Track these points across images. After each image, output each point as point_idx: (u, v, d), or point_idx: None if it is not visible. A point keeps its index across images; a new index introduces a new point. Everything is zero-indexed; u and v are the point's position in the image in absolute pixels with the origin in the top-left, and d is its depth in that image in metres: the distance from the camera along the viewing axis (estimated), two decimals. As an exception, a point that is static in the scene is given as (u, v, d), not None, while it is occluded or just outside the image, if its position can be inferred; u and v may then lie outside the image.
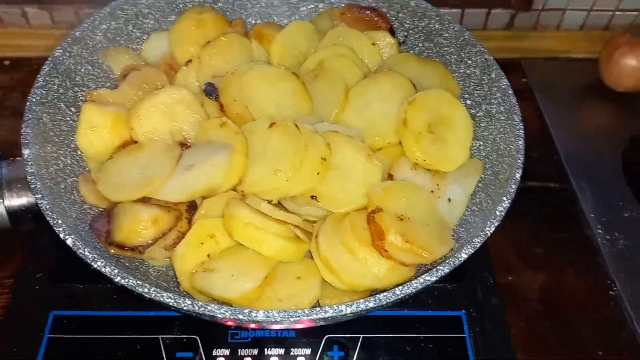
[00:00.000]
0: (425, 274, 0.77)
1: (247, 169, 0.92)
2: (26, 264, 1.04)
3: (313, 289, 0.88)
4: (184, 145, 0.97)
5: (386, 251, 0.85)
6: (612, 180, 1.22)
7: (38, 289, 1.00)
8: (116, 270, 0.76)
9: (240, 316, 0.73)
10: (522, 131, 0.94)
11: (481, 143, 1.02)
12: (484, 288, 1.03)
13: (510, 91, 0.99)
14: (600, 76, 1.39)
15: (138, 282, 0.75)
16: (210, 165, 0.89)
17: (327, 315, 0.73)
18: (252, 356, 0.93)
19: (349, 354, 0.94)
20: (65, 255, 0.84)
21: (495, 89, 1.01)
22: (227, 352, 0.93)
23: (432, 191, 0.96)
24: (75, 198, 0.93)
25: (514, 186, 0.87)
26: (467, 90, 1.08)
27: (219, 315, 0.73)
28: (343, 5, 1.19)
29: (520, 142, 0.92)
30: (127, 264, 0.90)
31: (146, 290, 0.75)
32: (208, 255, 0.89)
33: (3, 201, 0.91)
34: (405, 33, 1.18)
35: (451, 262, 0.78)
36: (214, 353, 0.93)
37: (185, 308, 0.73)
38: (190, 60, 1.07)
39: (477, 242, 0.80)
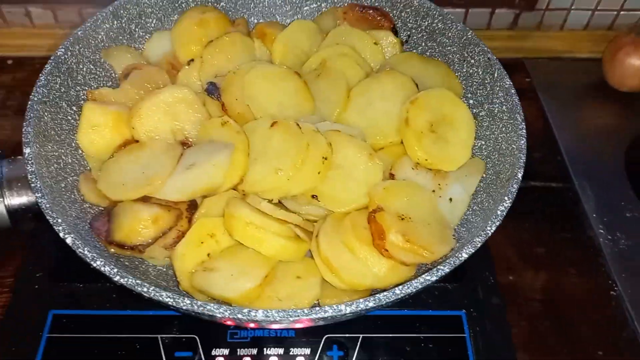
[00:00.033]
0: (426, 274, 0.77)
1: (248, 168, 0.92)
2: (26, 263, 1.04)
3: (313, 289, 0.88)
4: (185, 144, 0.97)
5: (387, 251, 0.85)
6: (615, 180, 1.22)
7: (37, 288, 1.00)
8: (115, 270, 0.76)
9: (240, 316, 0.73)
10: (524, 131, 0.93)
11: (483, 142, 1.02)
12: (484, 288, 1.03)
13: (512, 90, 0.98)
14: (604, 76, 1.38)
15: (137, 281, 0.75)
16: (211, 165, 0.89)
17: (326, 314, 0.73)
18: (251, 356, 0.93)
19: (349, 353, 0.94)
20: (65, 254, 0.84)
21: (498, 88, 1.01)
22: (226, 351, 0.93)
23: (433, 191, 0.96)
24: (76, 197, 0.93)
25: (515, 186, 0.86)
26: (469, 90, 1.08)
27: (218, 315, 0.73)
28: (346, 4, 1.19)
29: (522, 142, 0.92)
30: (126, 263, 0.90)
31: (145, 289, 0.74)
32: (208, 255, 0.88)
33: (3, 200, 0.91)
34: (408, 32, 1.17)
35: (451, 262, 0.78)
36: (213, 352, 0.93)
37: (184, 307, 0.73)
38: (192, 60, 1.08)
39: (478, 241, 0.80)
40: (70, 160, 0.96)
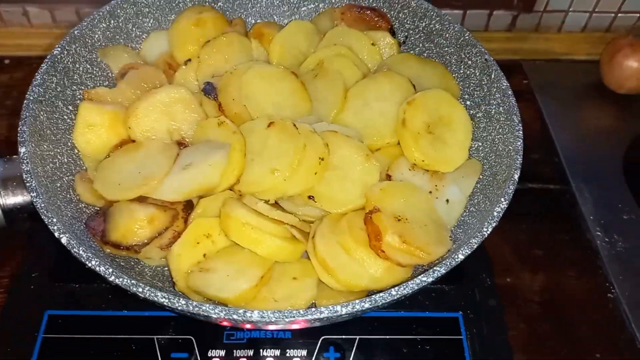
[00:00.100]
0: (422, 275, 0.76)
1: (245, 168, 0.92)
2: (22, 263, 1.04)
3: (309, 290, 0.88)
4: (181, 144, 0.97)
5: (383, 252, 0.85)
6: (612, 182, 1.21)
7: (33, 289, 1.00)
8: (110, 270, 0.76)
9: (235, 316, 0.73)
10: (520, 132, 0.93)
11: (480, 144, 1.02)
12: (481, 289, 1.03)
13: (509, 92, 0.98)
14: (602, 78, 1.38)
15: (132, 281, 0.75)
16: (208, 165, 0.89)
17: (322, 315, 0.73)
18: (247, 357, 0.93)
19: (345, 355, 0.94)
20: (61, 254, 0.84)
21: (495, 89, 1.00)
22: (222, 352, 0.93)
23: (430, 192, 0.95)
24: (72, 197, 0.93)
25: (512, 187, 0.86)
26: (466, 91, 1.08)
27: (214, 315, 0.73)
28: (343, 5, 1.19)
29: (519, 143, 0.92)
30: (122, 264, 0.90)
31: (140, 289, 0.74)
32: (204, 255, 0.88)
33: (-1, 199, 0.90)
34: (406, 33, 1.17)
35: (447, 263, 0.78)
36: (209, 354, 0.93)
37: (179, 308, 0.73)
38: (189, 60, 1.07)
39: (474, 242, 0.80)
40: (66, 160, 0.96)
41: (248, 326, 0.94)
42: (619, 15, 1.50)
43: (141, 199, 0.90)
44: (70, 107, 1.00)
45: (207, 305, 0.73)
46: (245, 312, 0.73)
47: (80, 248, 0.77)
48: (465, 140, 1.00)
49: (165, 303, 0.73)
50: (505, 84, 0.99)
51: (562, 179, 1.23)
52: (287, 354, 0.93)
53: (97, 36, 1.06)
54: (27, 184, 0.83)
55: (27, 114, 0.90)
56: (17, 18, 1.46)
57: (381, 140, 1.00)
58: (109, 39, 1.09)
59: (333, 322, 0.85)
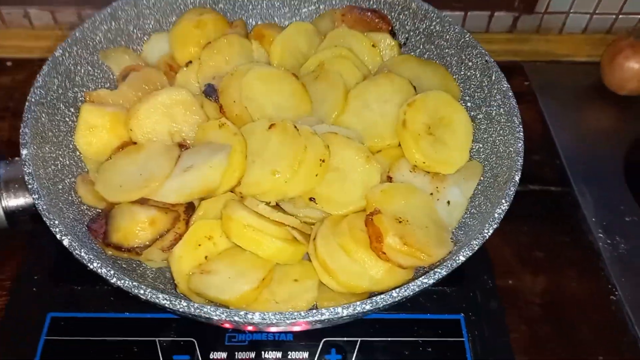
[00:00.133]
0: (423, 277, 0.76)
1: (246, 170, 0.92)
2: (24, 265, 1.04)
3: (310, 291, 0.88)
4: (183, 146, 0.97)
5: (384, 253, 0.85)
6: (614, 184, 1.21)
7: (36, 290, 1.00)
8: (112, 272, 0.76)
9: (236, 318, 0.73)
10: (521, 133, 0.93)
11: (481, 145, 1.02)
12: (483, 291, 1.03)
13: (510, 93, 0.98)
14: (603, 79, 1.38)
15: (134, 283, 0.75)
16: (209, 167, 0.89)
17: (323, 317, 0.73)
18: (249, 359, 0.93)
19: (347, 357, 0.94)
20: (63, 256, 0.84)
21: (495, 91, 1.00)
22: (224, 355, 0.93)
23: (431, 193, 0.95)
24: (73, 199, 0.93)
25: (512, 188, 0.86)
26: (467, 92, 1.08)
27: (215, 317, 0.73)
28: (344, 6, 1.19)
29: (519, 145, 0.92)
30: (124, 266, 0.90)
31: (142, 291, 0.74)
32: (205, 257, 0.88)
33: (0, 201, 0.90)
34: (407, 35, 1.17)
35: (449, 265, 0.78)
36: (211, 356, 0.93)
37: (180, 310, 0.73)
38: (190, 61, 1.07)
39: (475, 244, 0.80)
40: (67, 162, 0.96)
41: (249, 328, 0.94)
42: (620, 16, 1.50)
43: (143, 201, 0.90)
44: (71, 109, 1.00)
45: (209, 307, 0.73)
46: (246, 313, 0.73)
47: (82, 250, 0.77)
48: (466, 141, 1.00)
49: (166, 305, 0.73)
50: (505, 86, 0.99)
51: (563, 181, 1.23)
52: (289, 356, 0.93)
53: (98, 38, 1.06)
54: (29, 186, 0.83)
55: (28, 116, 0.90)
56: (18, 20, 1.46)
57: (382, 141, 1.00)
58: (110, 41, 1.09)
59: (334, 323, 0.85)
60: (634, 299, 1.05)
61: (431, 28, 1.13)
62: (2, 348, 0.94)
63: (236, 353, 0.93)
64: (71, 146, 0.98)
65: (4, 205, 0.91)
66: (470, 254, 0.79)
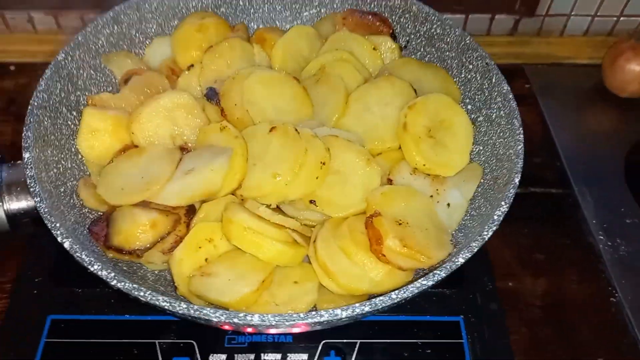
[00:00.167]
0: (422, 278, 0.77)
1: (247, 173, 0.92)
2: (25, 267, 1.05)
3: (310, 294, 0.88)
4: (184, 149, 0.97)
5: (384, 256, 0.85)
6: (615, 186, 1.21)
7: (36, 293, 1.01)
8: (112, 274, 0.76)
9: (236, 320, 0.73)
10: (521, 136, 0.93)
11: (481, 147, 1.02)
12: (483, 293, 1.03)
13: (510, 96, 0.98)
14: (604, 81, 1.38)
15: (134, 285, 0.75)
16: (210, 170, 0.89)
17: (322, 319, 0.73)
18: (248, 361, 0.94)
19: (346, 359, 0.94)
20: (64, 259, 0.84)
21: (496, 93, 1.01)
22: (223, 357, 0.93)
23: (431, 196, 0.96)
24: (75, 202, 0.94)
25: (512, 191, 0.86)
26: (467, 95, 1.08)
27: (214, 319, 0.73)
28: (345, 10, 1.19)
29: (519, 147, 0.92)
30: (125, 268, 0.91)
31: (142, 293, 0.75)
32: (206, 260, 0.89)
33: (2, 204, 0.91)
34: (407, 38, 1.18)
35: (448, 267, 0.78)
36: (211, 358, 0.93)
37: (180, 312, 0.73)
38: (192, 65, 1.08)
39: (475, 246, 0.80)
40: (69, 165, 0.97)
41: (249, 330, 0.94)
42: (621, 19, 1.50)
43: (144, 204, 0.90)
44: (74, 113, 1.00)
45: (208, 309, 0.73)
46: (245, 315, 0.73)
47: (83, 252, 0.78)
48: (466, 144, 1.00)
49: (166, 307, 0.74)
50: (506, 88, 0.99)
51: (564, 183, 1.23)
52: (288, 358, 0.94)
53: (100, 42, 1.07)
54: (31, 189, 0.84)
55: (31, 119, 0.91)
56: (22, 24, 1.47)
57: (382, 144, 1.00)
58: (113, 45, 1.10)
59: (334, 325, 0.85)
60: (634, 301, 1.04)
61: (432, 31, 1.13)
62: (2, 350, 0.95)
63: (236, 355, 0.94)
64: (73, 149, 0.98)
65: (5, 208, 0.91)
66: (470, 256, 0.79)
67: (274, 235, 0.87)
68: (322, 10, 1.22)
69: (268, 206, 0.92)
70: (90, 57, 1.06)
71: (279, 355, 0.94)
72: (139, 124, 0.97)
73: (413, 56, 1.17)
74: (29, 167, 0.86)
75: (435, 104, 1.00)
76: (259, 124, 0.97)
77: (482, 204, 0.94)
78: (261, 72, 1.03)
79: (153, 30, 1.15)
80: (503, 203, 0.85)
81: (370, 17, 1.16)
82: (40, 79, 0.96)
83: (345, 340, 0.95)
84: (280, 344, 0.95)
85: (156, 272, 0.94)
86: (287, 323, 0.74)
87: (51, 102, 0.96)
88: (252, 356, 0.94)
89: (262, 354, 0.94)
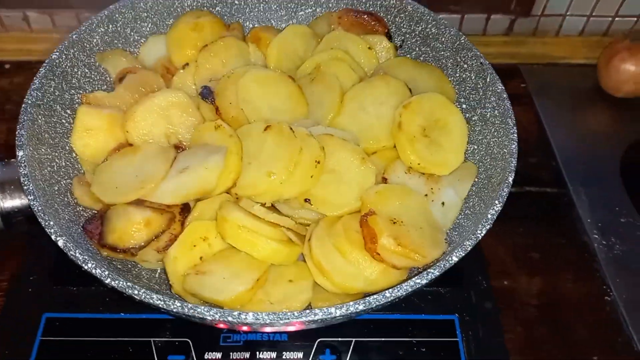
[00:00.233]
0: (416, 277, 0.77)
1: (241, 171, 0.92)
2: (20, 266, 1.04)
3: (305, 292, 0.88)
4: (179, 148, 0.97)
5: (378, 254, 0.85)
6: (610, 185, 1.22)
7: (31, 291, 1.01)
8: (107, 272, 0.76)
9: (230, 318, 0.73)
10: (515, 135, 0.93)
11: (475, 147, 1.02)
12: (477, 292, 1.03)
13: (504, 95, 0.98)
14: (599, 81, 1.39)
15: (128, 283, 0.75)
16: (204, 168, 0.89)
17: (316, 317, 0.73)
18: (244, 359, 0.93)
19: (341, 357, 0.94)
20: (59, 257, 0.84)
21: (490, 92, 1.01)
22: (219, 355, 0.93)
23: (426, 195, 0.96)
24: (69, 200, 0.93)
25: (506, 190, 0.86)
26: (462, 94, 1.08)
27: (209, 318, 0.73)
28: (340, 9, 1.19)
29: (513, 146, 0.92)
30: (119, 266, 0.90)
31: (136, 292, 0.75)
32: (200, 258, 0.89)
33: (-4, 202, 0.91)
34: (402, 37, 1.18)
35: (441, 265, 0.78)
36: (206, 356, 0.93)
37: (174, 310, 0.73)
38: (187, 64, 1.08)
39: (468, 245, 0.80)
40: (64, 164, 0.96)
41: (244, 328, 0.94)
42: (617, 19, 1.50)
43: (138, 202, 0.90)
44: (68, 111, 1.00)
45: (202, 307, 0.73)
46: (239, 314, 0.73)
47: (77, 251, 0.78)
48: (461, 143, 1.00)
49: (160, 305, 0.74)
50: (500, 88, 0.99)
51: (559, 182, 1.23)
52: (284, 356, 0.94)
53: (95, 40, 1.07)
54: (25, 187, 0.84)
55: (25, 117, 0.91)
56: (17, 23, 1.47)
57: (377, 143, 1.00)
58: (108, 43, 1.10)
59: (328, 324, 0.86)
60: (629, 300, 1.05)
61: (427, 30, 1.13)
62: (-2, 348, 0.95)
63: (231, 353, 0.94)
64: (67, 148, 0.98)
65: (0, 206, 0.91)
66: (463, 254, 0.79)
67: (269, 234, 0.87)
68: (318, 10, 1.23)
69: (263, 205, 0.92)
70: (85, 55, 1.06)
71: (274, 354, 0.94)
72: (133, 123, 0.97)
73: (408, 55, 1.17)
74: (23, 165, 0.86)
75: (430, 103, 1.00)
76: (254, 123, 0.97)
77: (477, 203, 0.94)
78: (256, 71, 1.03)
79: (148, 28, 1.15)
80: (497, 202, 0.85)
81: (365, 16, 1.16)
82: (35, 77, 0.96)
83: (340, 339, 0.95)
84: (276, 343, 0.95)
85: (151, 270, 0.94)
86: (281, 322, 0.74)
87: (45, 101, 0.96)
88: (248, 354, 0.94)
89: (257, 353, 0.94)
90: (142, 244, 0.88)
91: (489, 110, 1.00)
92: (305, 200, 0.92)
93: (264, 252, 0.87)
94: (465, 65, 1.07)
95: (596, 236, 1.13)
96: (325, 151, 0.93)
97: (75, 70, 1.03)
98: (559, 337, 1.02)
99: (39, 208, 0.81)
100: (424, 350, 0.95)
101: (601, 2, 1.46)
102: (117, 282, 0.75)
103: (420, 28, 1.14)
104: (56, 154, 0.95)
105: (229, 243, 0.88)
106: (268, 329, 0.94)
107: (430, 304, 1.00)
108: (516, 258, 1.11)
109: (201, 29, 1.11)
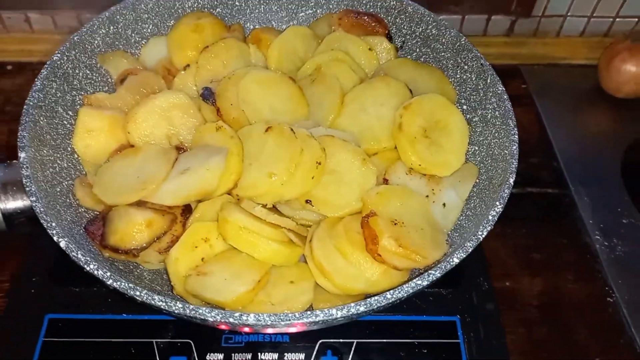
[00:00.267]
0: (417, 278, 0.77)
1: (243, 172, 0.92)
2: (22, 267, 1.05)
3: (306, 293, 0.88)
4: (180, 149, 0.97)
5: (379, 255, 0.85)
6: (611, 186, 1.22)
7: (34, 292, 1.01)
8: (108, 273, 0.76)
9: (231, 319, 0.73)
10: (516, 136, 0.93)
11: (476, 148, 1.02)
12: (479, 293, 1.03)
13: (505, 96, 0.98)
14: (600, 82, 1.39)
15: (130, 284, 0.75)
16: (206, 169, 0.90)
17: (317, 318, 0.73)
18: (245, 360, 0.94)
19: (343, 358, 0.94)
20: (61, 258, 0.84)
21: (491, 94, 1.01)
22: (220, 356, 0.94)
23: (427, 196, 0.96)
24: (71, 201, 0.94)
25: (507, 191, 0.86)
26: (463, 95, 1.08)
27: (210, 319, 0.73)
28: (341, 10, 1.19)
29: (514, 147, 0.92)
30: (121, 268, 0.90)
31: (138, 293, 0.75)
32: (202, 259, 0.89)
33: (-1, 204, 0.91)
34: (403, 38, 1.18)
35: (442, 267, 0.78)
36: (208, 357, 0.94)
37: (176, 311, 0.73)
38: (188, 65, 1.08)
39: (469, 246, 0.80)
40: (65, 165, 0.97)
41: (246, 330, 0.94)
42: (617, 19, 1.50)
43: (140, 203, 0.90)
44: (70, 113, 1.00)
45: (204, 308, 0.73)
46: (241, 315, 0.73)
47: (79, 252, 0.78)
48: (462, 144, 1.00)
49: (162, 306, 0.74)
50: (500, 89, 0.99)
51: (560, 183, 1.23)
52: (285, 357, 0.94)
53: (96, 42, 1.07)
54: (27, 189, 0.84)
55: (26, 119, 0.91)
56: (19, 24, 1.47)
57: (378, 144, 1.00)
58: (109, 45, 1.10)
59: (329, 325, 0.85)
60: (631, 301, 1.05)
61: (427, 32, 1.13)
62: (0, 349, 0.95)
63: (233, 354, 0.94)
64: (69, 149, 0.98)
65: (2, 207, 0.91)
66: (464, 256, 0.79)
67: (270, 235, 0.88)
68: (318, 11, 1.23)
69: (264, 206, 0.92)
70: (86, 56, 1.06)
71: (275, 355, 0.94)
72: (135, 124, 0.97)
73: (409, 57, 1.17)
74: (25, 166, 0.86)
75: (430, 104, 1.00)
76: (255, 124, 0.97)
77: (478, 204, 0.94)
78: (257, 72, 1.03)
79: (149, 30, 1.15)
80: (498, 203, 0.85)
81: (366, 17, 1.16)
82: (36, 79, 0.96)
83: (342, 340, 0.96)
84: (277, 344, 0.95)
85: (153, 271, 0.94)
86: (283, 323, 0.74)
87: (47, 102, 0.96)
88: (249, 356, 0.94)
89: (259, 354, 0.94)
90: (144, 245, 0.88)
91: (490, 111, 1.00)
92: (306, 201, 0.92)
93: (265, 253, 0.87)
94: (466, 66, 1.07)
95: (598, 237, 1.13)
96: (326, 152, 0.93)
97: (77, 71, 1.04)
98: (560, 338, 1.02)
99: (41, 209, 0.81)
100: (425, 351, 0.95)
101: (602, 3, 1.46)
102: (119, 283, 0.75)
103: (420, 29, 1.14)
104: (58, 155, 0.95)
105: (230, 244, 0.88)
106: (269, 330, 0.94)
107: (432, 305, 1.00)
108: (518, 259, 1.11)
109: (202, 31, 1.12)
